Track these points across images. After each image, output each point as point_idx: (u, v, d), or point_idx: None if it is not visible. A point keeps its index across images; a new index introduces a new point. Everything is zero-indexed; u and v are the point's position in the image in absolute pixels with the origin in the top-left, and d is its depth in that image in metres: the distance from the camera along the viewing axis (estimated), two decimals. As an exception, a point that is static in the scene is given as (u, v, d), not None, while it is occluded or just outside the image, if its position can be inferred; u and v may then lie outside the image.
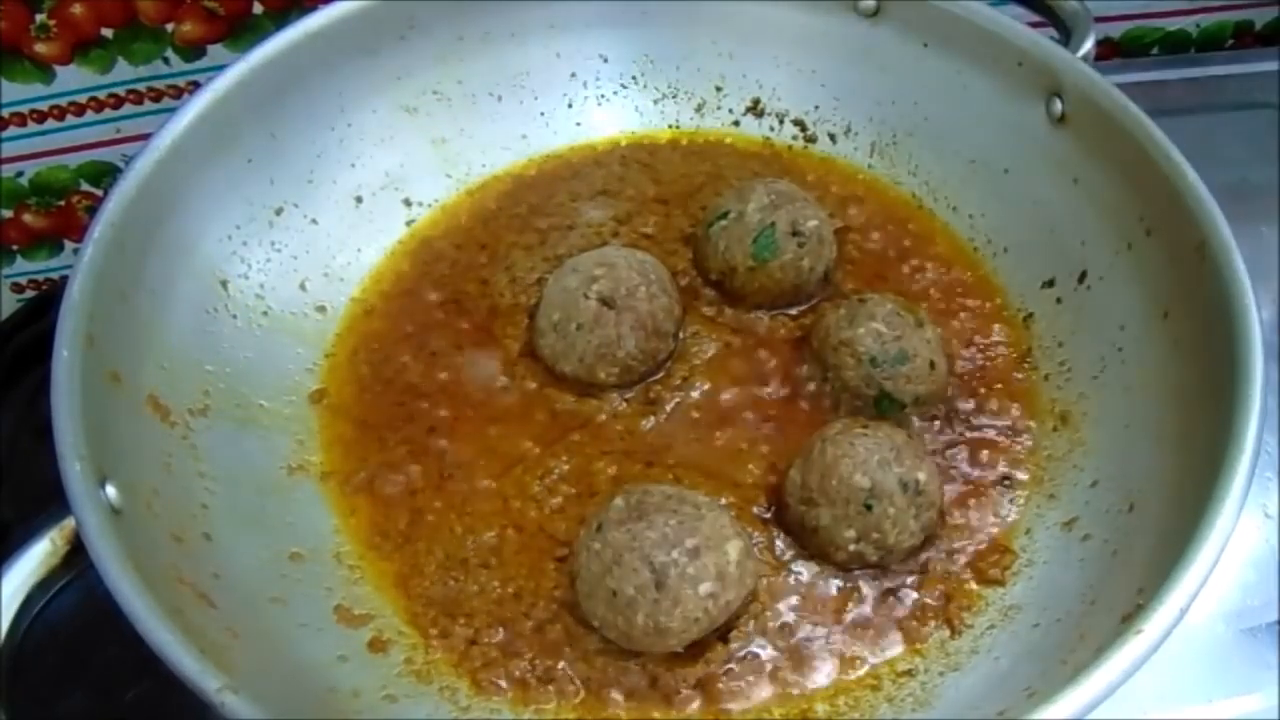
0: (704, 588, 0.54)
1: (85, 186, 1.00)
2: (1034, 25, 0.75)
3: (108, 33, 0.90)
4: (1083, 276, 0.70)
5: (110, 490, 0.52)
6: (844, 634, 0.59)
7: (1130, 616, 0.50)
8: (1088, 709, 0.47)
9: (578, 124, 0.84)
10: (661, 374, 0.69)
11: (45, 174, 0.98)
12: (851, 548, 0.60)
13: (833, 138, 0.83)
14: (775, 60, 0.83)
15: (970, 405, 0.68)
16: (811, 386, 0.68)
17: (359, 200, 0.77)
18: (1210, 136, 0.93)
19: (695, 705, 0.57)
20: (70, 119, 0.94)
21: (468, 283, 0.75)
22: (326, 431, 0.67)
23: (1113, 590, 0.56)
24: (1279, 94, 1.01)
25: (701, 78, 0.84)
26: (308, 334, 0.71)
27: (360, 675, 0.57)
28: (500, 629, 0.59)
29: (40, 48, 0.89)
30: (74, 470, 0.51)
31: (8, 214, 1.00)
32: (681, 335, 0.70)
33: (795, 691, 0.57)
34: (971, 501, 0.64)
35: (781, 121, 0.84)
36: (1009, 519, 0.64)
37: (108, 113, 0.95)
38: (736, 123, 0.84)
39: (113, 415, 0.57)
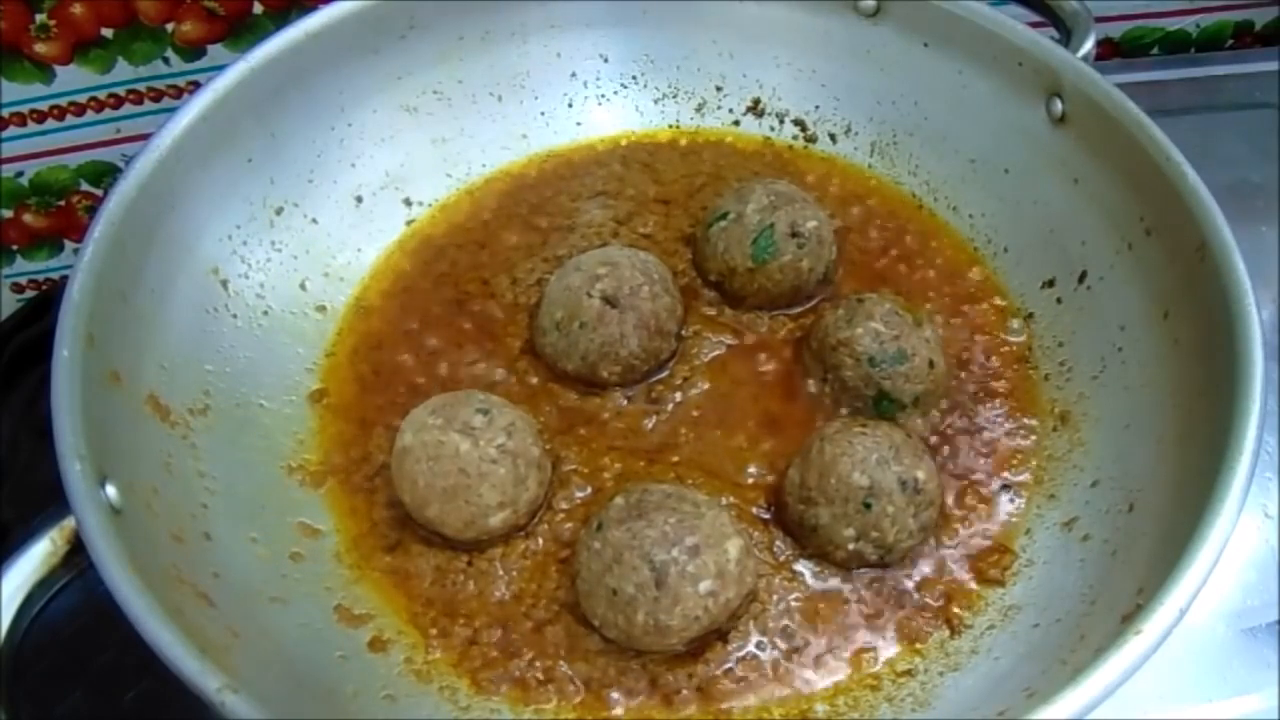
0: (704, 585, 0.54)
1: (85, 186, 1.00)
2: (1034, 25, 0.75)
3: (108, 33, 0.90)
4: (1083, 276, 0.70)
5: (110, 490, 0.52)
6: (843, 634, 0.59)
7: (1130, 616, 0.50)
8: (1087, 709, 0.47)
9: (578, 124, 0.84)
10: (664, 373, 0.69)
11: (45, 174, 0.98)
12: (851, 546, 0.60)
13: (833, 138, 0.83)
14: (775, 60, 0.83)
15: (969, 405, 0.68)
16: (811, 386, 0.68)
17: (359, 200, 0.77)
18: (1210, 136, 0.93)
19: (695, 705, 0.57)
20: (70, 119, 0.94)
21: (468, 282, 0.75)
22: (326, 431, 0.67)
23: (1113, 590, 0.56)
24: (1279, 94, 1.01)
25: (702, 78, 0.84)
26: (308, 334, 0.71)
27: (360, 675, 0.57)
28: (500, 629, 0.59)
29: (40, 48, 0.89)
30: (74, 470, 0.51)
31: (8, 214, 1.00)
32: (683, 334, 0.70)
33: (795, 691, 0.57)
34: (971, 501, 0.64)
35: (782, 121, 0.84)
36: (1009, 519, 0.64)
37: (108, 113, 0.95)
38: (737, 123, 0.84)
39: (113, 415, 0.57)
